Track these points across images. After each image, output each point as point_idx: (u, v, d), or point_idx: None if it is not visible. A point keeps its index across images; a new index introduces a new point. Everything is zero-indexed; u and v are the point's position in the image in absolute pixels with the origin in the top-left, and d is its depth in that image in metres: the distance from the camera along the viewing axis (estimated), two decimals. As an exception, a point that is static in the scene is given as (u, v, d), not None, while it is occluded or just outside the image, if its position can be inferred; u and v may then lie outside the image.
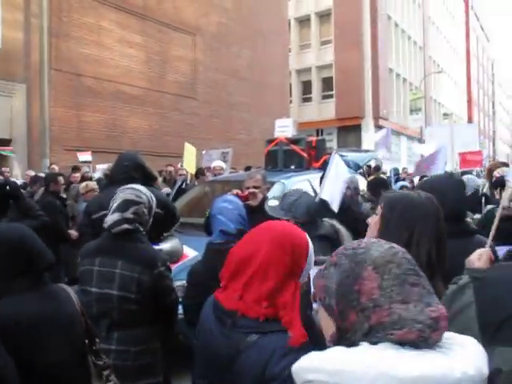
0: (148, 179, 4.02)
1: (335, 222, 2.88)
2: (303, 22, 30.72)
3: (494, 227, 2.10)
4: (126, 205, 2.52)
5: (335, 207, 3.43)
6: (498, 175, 6.54)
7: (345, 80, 27.59)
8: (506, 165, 7.35)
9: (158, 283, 2.47)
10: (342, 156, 9.17)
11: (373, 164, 13.22)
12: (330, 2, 28.90)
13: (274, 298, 1.42)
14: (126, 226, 2.49)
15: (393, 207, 1.78)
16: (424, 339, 0.96)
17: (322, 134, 29.61)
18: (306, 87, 30.67)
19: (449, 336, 1.01)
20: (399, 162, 29.47)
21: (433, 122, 37.88)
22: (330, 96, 29.30)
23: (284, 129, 9.88)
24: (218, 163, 8.58)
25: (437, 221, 1.78)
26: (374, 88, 28.13)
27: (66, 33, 12.76)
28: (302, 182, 6.63)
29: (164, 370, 2.56)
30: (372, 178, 5.87)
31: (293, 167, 7.03)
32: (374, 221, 1.84)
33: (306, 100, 30.63)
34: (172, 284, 2.59)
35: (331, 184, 3.31)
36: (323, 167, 7.30)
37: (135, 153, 4.16)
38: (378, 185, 5.40)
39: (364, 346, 0.98)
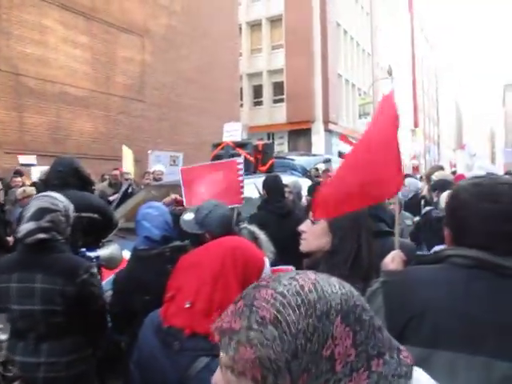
0: (85, 184, 3.92)
1: (255, 229, 2.85)
2: (254, 26, 30.92)
3: (396, 230, 2.09)
4: (41, 213, 2.42)
5: None
6: (435, 178, 6.82)
7: (295, 85, 27.97)
8: (441, 168, 7.70)
9: (83, 292, 2.39)
10: (290, 159, 9.28)
11: (323, 167, 13.41)
12: (282, 8, 29.25)
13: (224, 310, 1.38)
14: (40, 235, 2.38)
15: None
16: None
17: (273, 138, 29.85)
18: (258, 91, 30.87)
19: None
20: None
21: (380, 127, 38.97)
22: (281, 100, 29.62)
23: (233, 133, 9.87)
24: (158, 167, 8.46)
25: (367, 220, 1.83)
26: (324, 93, 28.65)
27: (7, 31, 12.26)
28: (248, 186, 6.66)
29: (99, 377, 2.50)
30: (311, 184, 5.93)
31: (239, 171, 7.04)
32: (312, 228, 1.81)
33: (258, 104, 30.82)
34: (98, 290, 2.52)
35: None
36: (269, 171, 7.37)
37: (71, 158, 4.05)
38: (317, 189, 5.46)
39: None
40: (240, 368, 0.72)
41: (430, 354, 1.23)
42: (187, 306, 1.35)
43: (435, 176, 6.90)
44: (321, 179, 11.41)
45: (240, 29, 26.79)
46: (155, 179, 8.21)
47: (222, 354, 0.76)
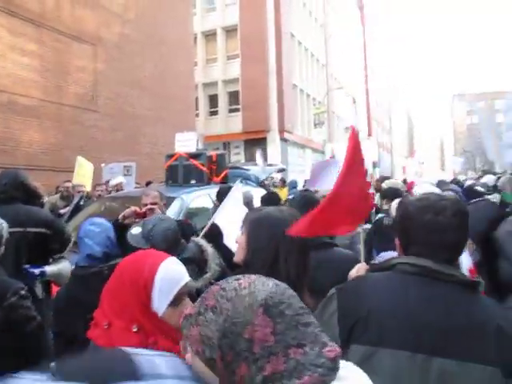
0: (31, 198, 3.83)
1: (202, 242, 2.87)
2: (210, 36, 31.02)
3: (362, 246, 2.31)
4: None
5: (228, 241, 3.32)
6: (385, 187, 7.06)
7: (251, 94, 28.20)
8: (388, 178, 8.02)
9: (11, 316, 2.31)
10: (244, 170, 9.34)
11: (278, 177, 13.58)
12: (237, 18, 29.49)
13: (138, 324, 1.40)
14: None
15: (258, 226, 1.84)
16: (329, 381, 0.90)
17: (229, 147, 29.92)
18: (213, 101, 30.92)
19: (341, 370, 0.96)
20: (304, 174, 30.56)
21: (335, 136, 39.79)
22: (237, 110, 29.77)
23: (186, 143, 9.84)
24: (119, 179, 8.36)
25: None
26: (279, 102, 29.01)
27: (-50, 38, 11.81)
28: (203, 197, 6.68)
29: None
30: (265, 193, 6.00)
31: (193, 182, 7.03)
32: (240, 240, 1.88)
33: (213, 113, 30.86)
34: (30, 312, 2.44)
35: (227, 212, 3.24)
36: (224, 181, 7.41)
37: (16, 171, 3.94)
38: (271, 200, 5.53)
39: None
40: (190, 342, 0.96)
41: (375, 351, 1.41)
42: (106, 327, 1.39)
43: (385, 184, 7.17)
44: (275, 189, 11.57)
45: (195, 38, 26.81)
46: (118, 191, 8.15)
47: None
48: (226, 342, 0.91)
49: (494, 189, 8.30)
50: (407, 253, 1.55)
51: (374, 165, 13.95)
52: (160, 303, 1.44)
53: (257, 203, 6.55)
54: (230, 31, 30.37)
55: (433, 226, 1.48)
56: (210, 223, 3.11)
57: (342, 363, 0.96)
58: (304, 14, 35.01)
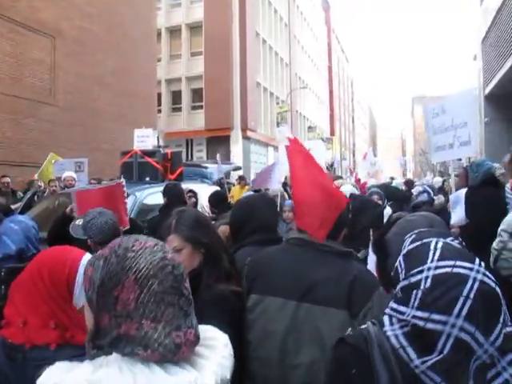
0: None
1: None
2: (174, 32, 30.84)
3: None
4: None
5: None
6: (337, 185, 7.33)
7: (214, 92, 28.20)
8: (340, 177, 8.30)
9: None
10: (200, 168, 9.45)
11: (237, 175, 13.69)
12: (201, 15, 29.41)
13: (56, 319, 1.48)
14: None
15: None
16: (167, 360, 1.01)
17: (191, 145, 29.87)
18: (176, 97, 30.77)
19: (202, 341, 1.09)
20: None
21: (298, 135, 40.23)
22: (200, 107, 29.73)
23: (144, 139, 9.87)
24: (68, 174, 8.29)
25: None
26: (243, 100, 29.15)
27: None
28: (156, 194, 6.75)
29: None
30: (212, 192, 6.15)
31: (147, 179, 7.11)
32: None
33: (176, 110, 30.70)
34: None
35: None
36: (179, 179, 7.51)
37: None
38: (219, 199, 5.69)
39: (114, 356, 1.00)
40: (84, 279, 1.08)
41: (262, 298, 1.94)
42: (21, 325, 1.46)
43: (336, 183, 7.45)
44: (232, 186, 11.70)
45: (159, 34, 26.61)
46: (66, 186, 8.05)
47: None
48: (101, 291, 1.03)
49: (439, 191, 8.69)
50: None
51: (328, 167, 14.23)
52: (80, 296, 1.54)
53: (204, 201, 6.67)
54: (194, 28, 30.27)
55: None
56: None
57: (214, 341, 1.15)
58: (269, 12, 35.25)
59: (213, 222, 5.29)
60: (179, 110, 30.51)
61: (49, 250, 1.67)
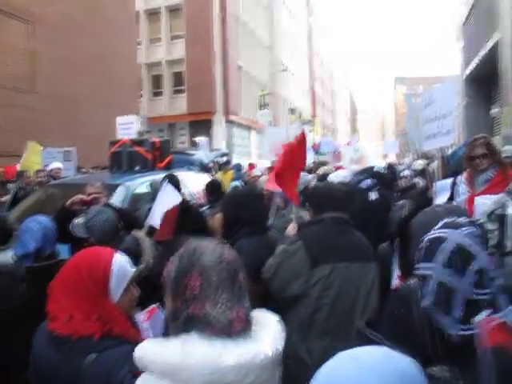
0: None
1: (140, 235, 3.07)
2: (153, 15, 30.37)
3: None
4: None
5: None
6: (321, 173, 7.50)
7: (196, 75, 28.00)
8: (324, 164, 8.48)
9: None
10: (187, 155, 9.50)
11: (223, 161, 13.71)
12: (181, -3, 29.02)
13: (97, 313, 1.62)
14: None
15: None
16: (225, 334, 1.31)
17: (174, 129, 29.72)
18: (157, 81, 30.48)
19: (256, 320, 1.41)
20: (250, 156, 30.88)
21: (280, 117, 40.27)
22: (182, 91, 29.51)
23: (127, 126, 9.85)
24: (55, 165, 8.26)
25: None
26: (225, 84, 29.03)
27: None
28: (147, 184, 6.81)
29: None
30: (209, 181, 6.26)
31: (137, 168, 7.15)
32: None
33: (157, 94, 30.44)
34: None
35: (161, 211, 3.34)
36: (168, 167, 7.57)
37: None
38: (214, 187, 5.81)
39: (190, 337, 1.30)
40: (165, 271, 1.42)
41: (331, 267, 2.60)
42: (67, 319, 1.60)
43: (320, 170, 7.63)
44: (219, 173, 11.78)
45: (138, 17, 26.20)
46: (53, 177, 8.02)
47: None
48: (177, 279, 1.36)
49: (422, 173, 8.82)
50: (321, 214, 2.84)
51: (316, 150, 14.33)
52: (116, 291, 1.71)
53: (199, 188, 6.78)
54: (173, 11, 29.86)
55: (337, 197, 2.90)
56: (147, 223, 3.28)
57: (266, 319, 1.46)
58: (249, -6, 34.92)
59: (207, 210, 5.44)
60: (160, 94, 30.25)
61: (84, 251, 1.82)
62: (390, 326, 1.71)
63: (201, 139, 8.73)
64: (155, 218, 3.21)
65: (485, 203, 3.37)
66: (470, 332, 1.40)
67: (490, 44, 18.04)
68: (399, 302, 1.66)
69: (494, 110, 19.81)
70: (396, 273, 2.58)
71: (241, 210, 2.90)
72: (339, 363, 0.91)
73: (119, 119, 9.89)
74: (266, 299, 2.61)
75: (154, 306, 2.60)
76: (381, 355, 0.92)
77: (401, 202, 3.78)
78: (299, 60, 51.69)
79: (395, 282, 2.54)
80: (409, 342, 1.44)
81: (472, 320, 1.39)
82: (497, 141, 19.04)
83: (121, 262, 1.77)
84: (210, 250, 1.40)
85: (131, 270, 1.82)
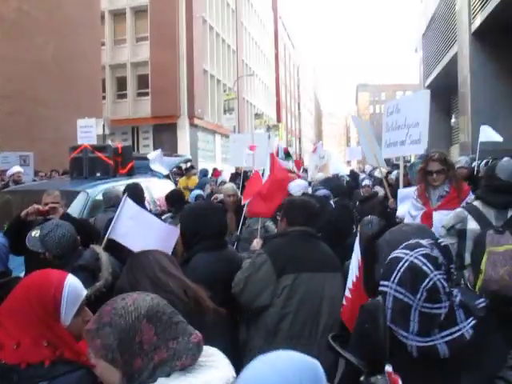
0: None
1: (99, 250, 2.96)
2: (118, 15, 29.88)
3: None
4: None
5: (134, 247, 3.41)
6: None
7: (160, 78, 27.70)
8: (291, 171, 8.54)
9: None
10: (150, 161, 9.36)
11: (186, 165, 13.63)
12: (146, -1, 28.69)
13: (47, 339, 1.56)
14: None
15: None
16: (196, 360, 1.35)
17: (137, 132, 29.33)
18: (121, 84, 29.98)
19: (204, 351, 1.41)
20: (214, 161, 30.81)
21: (245, 122, 40.36)
22: (146, 94, 29.13)
23: (87, 129, 9.69)
24: (16, 169, 8.05)
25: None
26: (190, 88, 28.82)
27: None
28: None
29: None
30: (170, 191, 6.19)
31: (99, 175, 7.01)
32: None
33: (121, 97, 29.93)
34: None
35: (123, 225, 3.25)
36: (130, 173, 7.46)
37: None
38: (176, 198, 5.76)
39: (161, 380, 1.28)
40: (93, 350, 1.30)
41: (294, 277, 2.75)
42: (15, 347, 1.55)
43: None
44: (182, 178, 11.71)
45: (103, 17, 25.73)
46: (15, 181, 7.83)
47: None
48: (123, 347, 1.28)
49: (381, 182, 8.95)
50: (292, 226, 2.99)
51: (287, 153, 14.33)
52: (67, 315, 1.65)
53: (162, 195, 6.70)
54: (139, 12, 29.48)
55: (308, 209, 3.09)
56: (107, 236, 3.19)
57: (210, 351, 1.44)
58: (216, -2, 34.87)
59: (169, 219, 5.37)
60: (124, 96, 29.77)
61: (33, 275, 1.75)
62: (357, 339, 1.84)
63: (151, 155, 8.58)
64: (117, 233, 3.13)
65: (442, 219, 3.47)
66: (427, 344, 1.52)
67: (449, 56, 18.63)
68: (366, 316, 1.78)
69: (453, 120, 20.47)
70: (348, 286, 2.71)
71: (199, 223, 2.90)
72: (253, 366, 1.04)
73: (80, 122, 9.70)
74: (229, 323, 2.68)
75: None
76: (287, 356, 1.06)
77: (369, 217, 3.84)
78: (265, 64, 51.99)
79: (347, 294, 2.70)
80: (373, 353, 1.66)
81: (430, 332, 1.52)
82: (455, 149, 19.68)
83: (72, 284, 1.71)
84: (140, 298, 1.36)
85: (83, 292, 1.77)
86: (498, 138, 9.05)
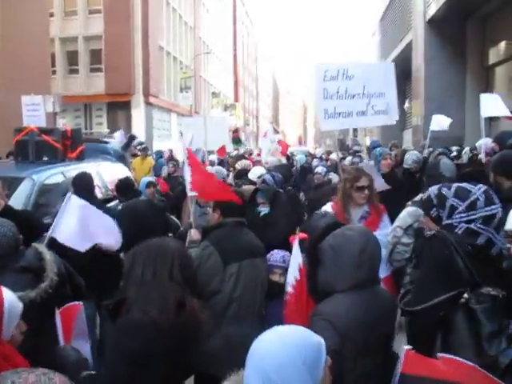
0: None
1: (42, 249, 2.80)
2: (68, -15, 28.55)
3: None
4: None
5: (79, 247, 3.27)
6: (239, 167, 7.47)
7: (115, 54, 26.76)
8: (244, 157, 8.49)
9: None
10: (102, 143, 9.07)
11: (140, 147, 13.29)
12: (99, -32, 27.48)
13: None
14: None
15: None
16: None
17: (90, 109, 28.40)
18: (73, 58, 28.76)
19: None
20: (170, 140, 30.28)
21: (202, 101, 39.83)
22: (99, 69, 28.14)
23: (34, 107, 9.19)
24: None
25: None
26: (145, 65, 28.04)
27: None
28: (56, 176, 6.40)
29: None
30: (119, 180, 6.01)
31: (46, 159, 6.70)
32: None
33: (73, 72, 28.76)
34: None
35: (67, 223, 3.09)
36: (80, 157, 7.17)
37: None
38: (126, 187, 5.61)
39: None
40: None
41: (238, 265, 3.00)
42: None
43: (238, 165, 7.59)
44: (137, 158, 11.44)
45: (51, -13, 24.50)
46: None
47: None
48: None
49: (335, 168, 8.94)
50: (226, 216, 3.20)
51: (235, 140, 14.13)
52: (7, 330, 1.65)
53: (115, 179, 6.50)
54: (91, -18, 28.27)
55: None
56: (49, 235, 3.04)
57: None
58: (172, -28, 33.86)
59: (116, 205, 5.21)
60: (76, 72, 28.60)
61: None
62: (439, 270, 2.17)
63: (116, 134, 8.33)
64: (58, 231, 2.99)
65: (384, 240, 3.30)
66: None
67: (404, 42, 18.92)
68: (441, 245, 2.14)
69: (406, 105, 20.90)
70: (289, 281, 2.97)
71: (139, 222, 3.00)
72: (264, 335, 1.24)
73: (25, 99, 9.19)
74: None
75: (77, 303, 2.57)
76: (293, 330, 1.28)
77: (322, 210, 3.69)
78: (223, 42, 51.22)
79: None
80: (454, 276, 2.08)
81: None
82: (408, 133, 20.16)
83: (8, 300, 1.67)
84: (42, 378, 1.26)
85: (20, 305, 1.75)
86: (445, 125, 9.33)
